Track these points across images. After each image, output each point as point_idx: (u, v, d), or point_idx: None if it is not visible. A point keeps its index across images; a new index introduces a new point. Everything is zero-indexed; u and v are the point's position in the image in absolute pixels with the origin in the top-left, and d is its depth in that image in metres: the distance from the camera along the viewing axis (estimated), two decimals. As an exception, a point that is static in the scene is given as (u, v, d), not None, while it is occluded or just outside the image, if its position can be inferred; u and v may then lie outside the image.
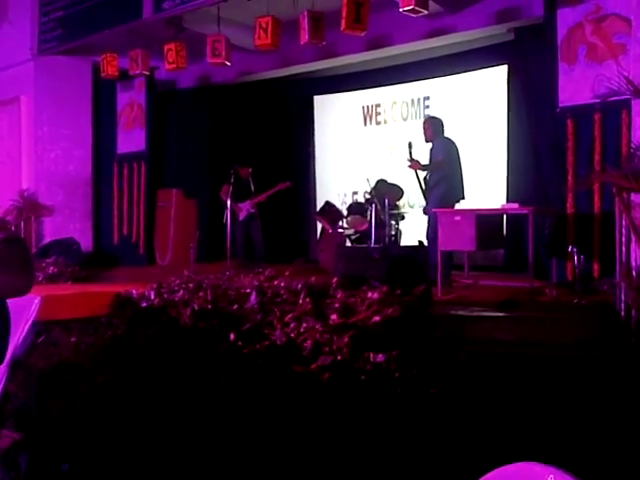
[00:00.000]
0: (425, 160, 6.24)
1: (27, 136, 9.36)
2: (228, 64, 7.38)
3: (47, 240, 8.88)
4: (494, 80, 8.14)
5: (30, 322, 2.67)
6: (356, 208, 7.73)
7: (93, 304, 3.93)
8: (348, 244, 7.75)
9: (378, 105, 9.51)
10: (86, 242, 9.30)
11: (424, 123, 6.51)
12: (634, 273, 3.90)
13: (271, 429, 2.35)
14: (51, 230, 9.09)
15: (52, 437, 2.17)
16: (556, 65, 6.04)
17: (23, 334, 2.64)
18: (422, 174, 6.34)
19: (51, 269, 6.88)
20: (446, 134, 6.39)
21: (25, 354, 2.61)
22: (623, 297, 4.05)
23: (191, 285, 3.43)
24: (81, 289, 6.16)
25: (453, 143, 6.24)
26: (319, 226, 8.59)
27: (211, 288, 3.30)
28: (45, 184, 9.20)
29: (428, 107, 8.78)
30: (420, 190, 6.42)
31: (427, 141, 6.31)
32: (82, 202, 9.57)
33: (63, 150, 9.37)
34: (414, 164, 6.20)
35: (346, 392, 2.55)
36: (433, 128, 6.30)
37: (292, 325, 2.88)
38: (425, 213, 6.65)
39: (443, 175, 6.11)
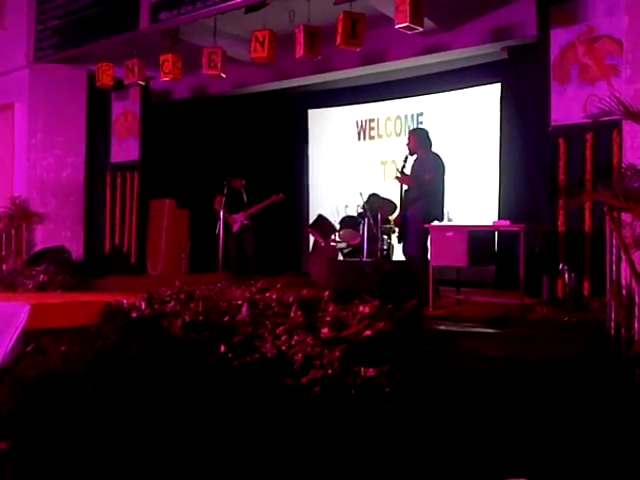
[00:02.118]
0: (409, 171, 6.27)
1: (20, 143, 9.34)
2: (224, 76, 7.40)
3: (38, 247, 8.84)
4: (487, 98, 8.21)
5: (19, 330, 2.65)
6: (349, 222, 7.73)
7: (83, 313, 3.91)
8: (340, 258, 7.75)
9: (372, 120, 9.57)
10: (77, 250, 9.27)
11: (408, 134, 6.56)
12: (624, 292, 3.92)
13: (261, 441, 2.35)
14: (42, 237, 9.06)
15: (40, 446, 2.16)
16: (549, 84, 6.10)
17: (12, 342, 2.63)
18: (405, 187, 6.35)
19: (41, 277, 6.86)
20: (439, 150, 6.43)
21: (14, 362, 2.59)
22: (613, 315, 4.08)
23: (182, 296, 3.42)
24: (71, 298, 6.14)
25: (441, 160, 6.26)
26: (311, 239, 8.60)
27: (202, 299, 3.29)
28: (37, 191, 9.17)
29: (422, 123, 8.83)
30: (400, 203, 6.44)
31: (411, 153, 6.33)
32: (74, 210, 9.54)
33: (56, 158, 9.36)
34: (404, 178, 6.21)
35: (336, 406, 2.55)
36: (418, 140, 6.33)
37: (283, 338, 2.87)
38: (396, 225, 6.68)
39: (425, 192, 6.10)
